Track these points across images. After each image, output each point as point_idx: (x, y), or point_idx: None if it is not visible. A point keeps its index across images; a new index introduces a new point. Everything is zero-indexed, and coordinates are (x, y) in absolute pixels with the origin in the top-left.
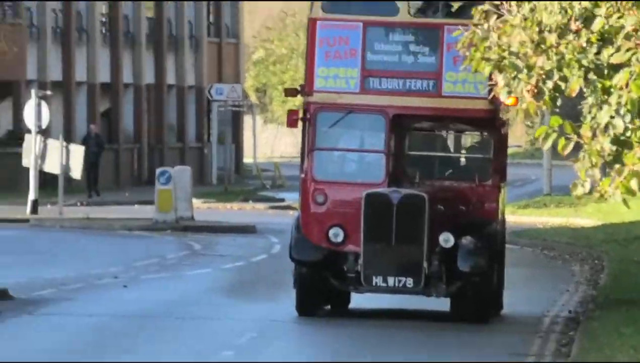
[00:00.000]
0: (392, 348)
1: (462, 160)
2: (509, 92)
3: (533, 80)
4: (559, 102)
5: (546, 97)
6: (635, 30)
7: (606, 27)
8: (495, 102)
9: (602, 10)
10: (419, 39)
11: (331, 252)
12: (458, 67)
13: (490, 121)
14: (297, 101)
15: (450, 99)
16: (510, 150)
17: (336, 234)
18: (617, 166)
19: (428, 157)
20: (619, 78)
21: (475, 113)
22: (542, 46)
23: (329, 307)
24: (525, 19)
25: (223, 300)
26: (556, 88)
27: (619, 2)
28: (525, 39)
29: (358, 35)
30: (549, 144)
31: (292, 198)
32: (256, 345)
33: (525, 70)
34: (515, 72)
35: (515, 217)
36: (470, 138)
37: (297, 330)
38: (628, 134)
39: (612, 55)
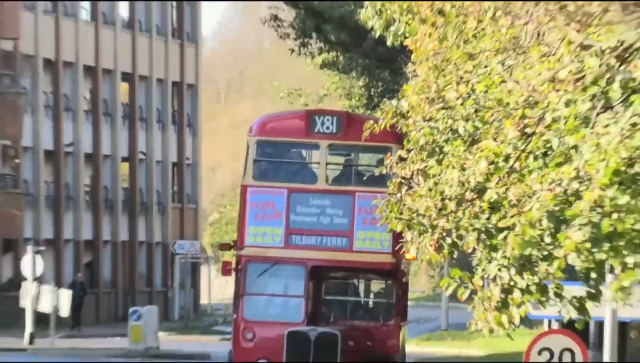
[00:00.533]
0: None
1: (370, 303)
2: (417, 248)
3: (435, 237)
4: (455, 255)
5: (445, 251)
6: (518, 200)
7: (495, 197)
8: (397, 256)
9: (492, 183)
10: (334, 203)
11: None
12: (366, 227)
13: (392, 272)
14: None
15: (360, 254)
16: (415, 295)
17: None
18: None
19: (341, 301)
20: (505, 237)
21: (381, 265)
22: (443, 211)
23: None
24: (430, 190)
25: None
26: (454, 244)
27: (505, 177)
28: (430, 205)
29: (283, 200)
30: (450, 290)
31: None
32: None
33: (430, 229)
34: (422, 230)
35: (419, 347)
36: (376, 285)
37: None
38: (512, 284)
39: (499, 220)
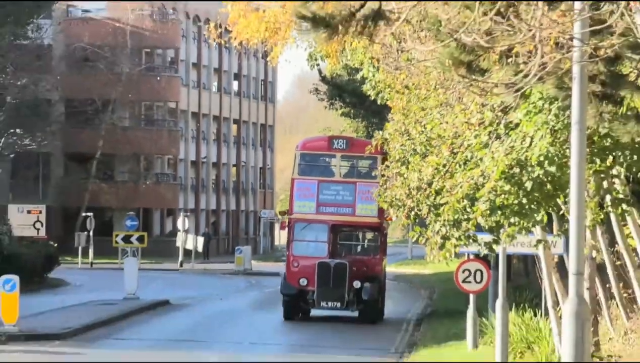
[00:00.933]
0: (331, 332)
1: (365, 246)
2: (396, 215)
3: (405, 210)
4: (417, 220)
5: (411, 218)
6: (451, 188)
7: (438, 187)
8: (381, 219)
9: (436, 180)
10: (345, 189)
11: (300, 290)
12: (364, 202)
13: (378, 228)
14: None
15: (359, 217)
16: (393, 240)
17: (303, 281)
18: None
19: (348, 244)
20: (443, 209)
21: (371, 224)
22: (409, 196)
23: (300, 315)
24: (402, 184)
25: (260, 308)
26: (415, 214)
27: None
28: (401, 192)
29: (315, 186)
30: (414, 238)
31: None
32: (269, 331)
33: (402, 206)
34: (398, 207)
35: (395, 269)
36: (369, 235)
37: (286, 325)
38: (448, 235)
39: (440, 199)
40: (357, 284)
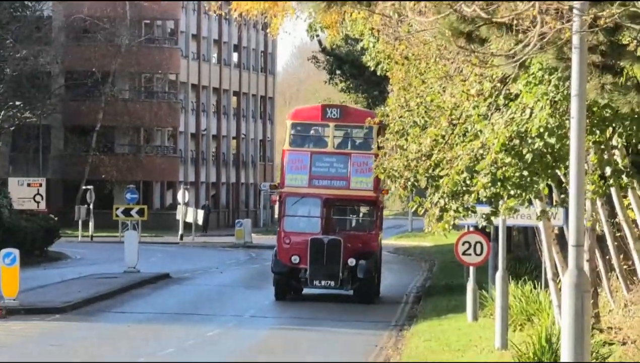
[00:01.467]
0: (333, 304)
1: (360, 221)
2: (394, 187)
3: (402, 182)
4: (414, 191)
5: (408, 189)
6: (450, 160)
7: (437, 158)
8: (376, 192)
9: (435, 151)
10: (338, 160)
11: (292, 268)
12: (357, 174)
13: (373, 202)
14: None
15: (354, 191)
16: (393, 212)
17: (295, 259)
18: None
19: (343, 219)
20: (443, 181)
21: (366, 197)
22: (408, 167)
23: (292, 293)
24: (401, 156)
25: (261, 281)
26: (413, 185)
27: (443, 148)
28: (400, 164)
29: (307, 158)
30: (413, 209)
31: None
32: (269, 304)
33: (400, 178)
34: (395, 178)
35: (395, 241)
36: (364, 209)
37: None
38: (447, 207)
39: (440, 171)
40: (351, 261)
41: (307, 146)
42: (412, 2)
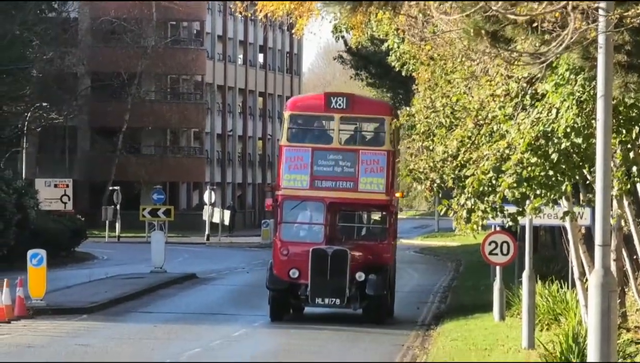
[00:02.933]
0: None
1: (370, 228)
2: (422, 188)
3: (428, 183)
4: (440, 193)
5: (434, 190)
6: (476, 160)
7: (463, 159)
8: (389, 195)
9: (461, 152)
10: (345, 158)
11: (291, 283)
12: (367, 174)
13: (386, 206)
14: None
15: (363, 193)
16: (420, 212)
17: (294, 273)
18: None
19: (350, 227)
20: (468, 181)
21: (377, 201)
22: (434, 168)
23: (290, 313)
24: (427, 156)
25: None
26: (439, 186)
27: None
28: (426, 165)
29: (308, 155)
30: (443, 211)
31: None
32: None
33: (425, 179)
34: (421, 180)
35: (422, 241)
36: (375, 215)
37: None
38: (474, 207)
39: (466, 171)
40: (360, 276)
41: (308, 141)
42: (437, 2)
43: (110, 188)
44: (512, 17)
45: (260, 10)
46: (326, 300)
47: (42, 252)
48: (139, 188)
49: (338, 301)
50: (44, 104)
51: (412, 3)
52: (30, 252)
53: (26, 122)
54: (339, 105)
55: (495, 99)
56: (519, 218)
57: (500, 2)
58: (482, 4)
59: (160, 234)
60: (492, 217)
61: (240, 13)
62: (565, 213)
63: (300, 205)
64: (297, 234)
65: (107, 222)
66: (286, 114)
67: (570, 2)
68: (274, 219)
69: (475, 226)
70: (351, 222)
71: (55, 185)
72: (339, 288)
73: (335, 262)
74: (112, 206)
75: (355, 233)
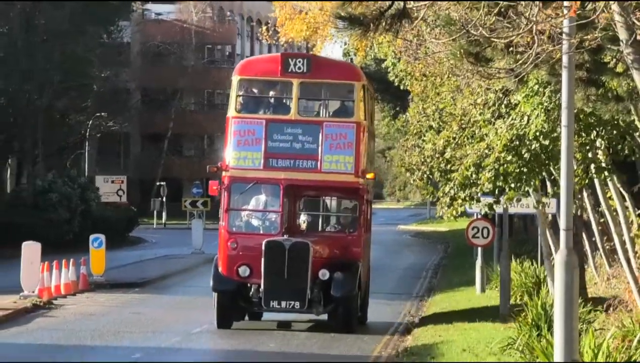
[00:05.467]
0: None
1: (337, 217)
2: (413, 180)
3: (419, 174)
4: (429, 183)
5: (424, 181)
6: (460, 158)
7: (449, 155)
8: (358, 176)
9: (447, 150)
10: (305, 131)
11: (240, 283)
12: (332, 151)
13: (355, 190)
14: None
15: (327, 174)
16: (415, 203)
17: (244, 271)
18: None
19: (313, 215)
20: (454, 175)
21: (344, 184)
22: (424, 163)
23: (243, 319)
24: (418, 153)
25: None
26: (428, 177)
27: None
28: (417, 160)
29: (261, 129)
30: (429, 197)
31: None
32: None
33: (417, 171)
34: (415, 171)
35: (416, 227)
36: (343, 201)
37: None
38: (457, 196)
39: (451, 166)
40: (324, 274)
41: (261, 112)
42: (429, 28)
43: (158, 183)
44: (492, 40)
45: (283, 36)
46: (283, 304)
47: (102, 236)
48: (181, 183)
49: (297, 304)
50: (103, 114)
51: (408, 28)
52: (92, 236)
53: (88, 129)
54: (299, 68)
55: (476, 107)
56: (495, 206)
57: (480, 29)
58: (466, 29)
59: (199, 222)
60: (470, 205)
61: (266, 39)
62: (538, 203)
63: (251, 189)
64: (248, 224)
65: (155, 211)
66: (235, 80)
67: (535, 27)
68: (221, 206)
69: (454, 212)
70: (314, 209)
71: (112, 181)
72: (298, 289)
73: (294, 257)
74: (159, 198)
75: (320, 223)
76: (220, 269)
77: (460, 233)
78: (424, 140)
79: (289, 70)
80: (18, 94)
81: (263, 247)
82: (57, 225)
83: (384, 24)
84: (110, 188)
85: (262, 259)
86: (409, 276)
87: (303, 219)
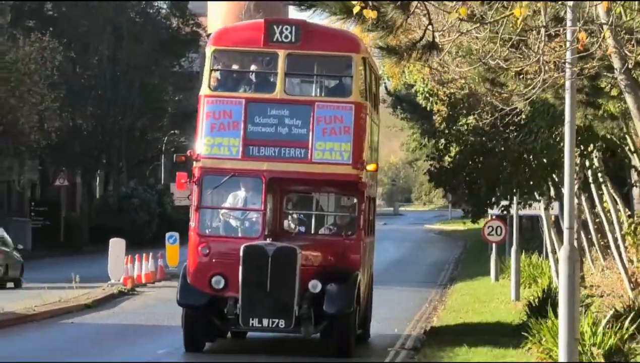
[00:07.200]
0: (394, 269)
1: (332, 217)
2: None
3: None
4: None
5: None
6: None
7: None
8: (357, 167)
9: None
10: (293, 113)
11: (214, 297)
12: (326, 137)
13: (353, 184)
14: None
15: (319, 165)
16: (439, 206)
17: (218, 282)
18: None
19: (301, 215)
20: (475, 187)
21: (341, 176)
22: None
23: (214, 340)
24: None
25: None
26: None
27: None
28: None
29: (240, 110)
30: (450, 203)
31: None
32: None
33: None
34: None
35: (440, 226)
36: (339, 198)
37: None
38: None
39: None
40: (315, 286)
41: (240, 90)
42: (453, 57)
43: None
44: (505, 68)
45: None
46: (265, 322)
47: (176, 234)
48: None
49: (282, 323)
50: (176, 132)
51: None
52: (167, 234)
53: (163, 145)
54: (286, 37)
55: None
56: (510, 209)
57: (497, 60)
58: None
59: None
60: (490, 208)
61: None
62: (548, 204)
63: (227, 183)
64: (224, 225)
65: None
66: (208, 51)
67: (542, 58)
68: (192, 203)
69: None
70: (304, 208)
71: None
72: (283, 305)
73: (279, 265)
74: None
75: (311, 225)
76: (189, 279)
77: (477, 231)
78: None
79: (274, 39)
80: (106, 116)
81: (241, 253)
82: (139, 226)
83: (415, 53)
84: (183, 194)
85: (240, 268)
86: (434, 267)
87: (291, 220)
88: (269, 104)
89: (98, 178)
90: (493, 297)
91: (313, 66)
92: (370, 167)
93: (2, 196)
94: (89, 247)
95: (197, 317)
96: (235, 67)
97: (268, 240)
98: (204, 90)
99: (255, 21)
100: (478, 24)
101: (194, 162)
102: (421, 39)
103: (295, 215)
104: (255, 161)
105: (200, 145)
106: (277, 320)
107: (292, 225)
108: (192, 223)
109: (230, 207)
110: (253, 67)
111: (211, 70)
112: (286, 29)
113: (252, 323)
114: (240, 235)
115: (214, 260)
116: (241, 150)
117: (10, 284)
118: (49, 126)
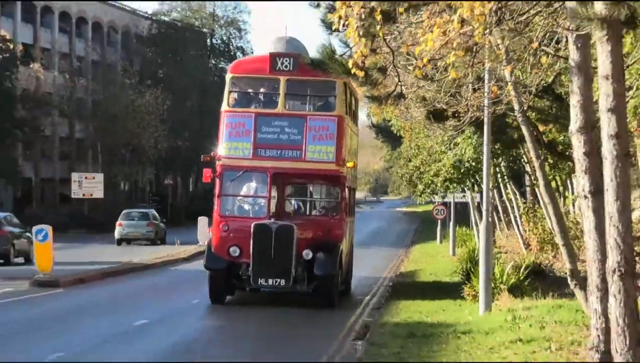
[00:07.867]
0: (369, 240)
1: (321, 202)
2: (404, 184)
3: (407, 179)
4: (411, 185)
5: (409, 182)
6: (427, 171)
7: (422, 170)
8: (339, 164)
9: (421, 167)
10: (291, 124)
11: (231, 262)
12: (315, 142)
13: (336, 177)
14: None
15: (310, 163)
16: (405, 195)
17: (234, 251)
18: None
19: (297, 200)
20: (423, 180)
21: (326, 171)
22: (409, 173)
23: (233, 295)
24: (407, 168)
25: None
26: (410, 180)
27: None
28: (405, 172)
29: (251, 121)
30: (412, 193)
31: None
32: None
33: (405, 175)
34: (404, 178)
35: (405, 209)
36: (326, 188)
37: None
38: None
39: (424, 176)
40: (307, 254)
41: (251, 107)
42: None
43: None
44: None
45: None
46: (270, 281)
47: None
48: None
49: (283, 282)
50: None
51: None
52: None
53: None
54: (285, 67)
55: (437, 145)
56: (446, 197)
57: (440, 104)
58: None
59: None
60: (430, 196)
61: None
62: (475, 193)
63: (242, 176)
64: (239, 208)
65: None
66: (228, 77)
67: (469, 103)
68: (214, 192)
69: (422, 200)
70: (299, 195)
71: None
72: (283, 268)
73: (280, 238)
74: None
75: (304, 208)
76: (213, 249)
77: (428, 212)
78: (409, 161)
79: (277, 68)
80: (195, 140)
81: (252, 230)
82: None
83: (390, 100)
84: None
85: (251, 240)
86: (401, 233)
87: (289, 204)
88: (273, 117)
89: (191, 179)
90: (438, 253)
91: (306, 89)
92: (349, 164)
93: (131, 191)
94: (186, 222)
95: (218, 277)
96: (248, 89)
97: (272, 220)
98: (224, 107)
99: (263, 55)
100: (429, 81)
101: (216, 161)
102: (393, 91)
103: (293, 201)
104: (263, 160)
105: (221, 148)
106: (279, 280)
107: (291, 208)
108: (215, 207)
109: (244, 194)
110: (261, 90)
111: (230, 92)
112: (286, 60)
113: (260, 282)
114: (251, 216)
115: (231, 235)
116: (252, 152)
117: (158, 242)
118: (160, 146)
